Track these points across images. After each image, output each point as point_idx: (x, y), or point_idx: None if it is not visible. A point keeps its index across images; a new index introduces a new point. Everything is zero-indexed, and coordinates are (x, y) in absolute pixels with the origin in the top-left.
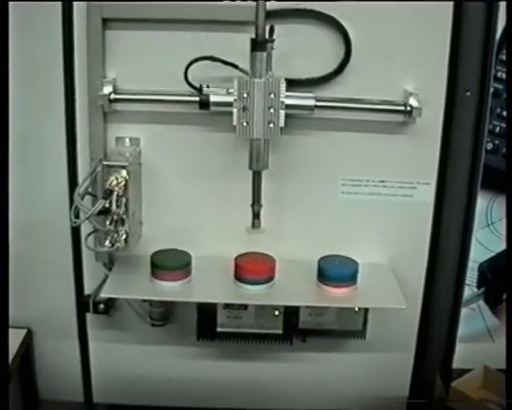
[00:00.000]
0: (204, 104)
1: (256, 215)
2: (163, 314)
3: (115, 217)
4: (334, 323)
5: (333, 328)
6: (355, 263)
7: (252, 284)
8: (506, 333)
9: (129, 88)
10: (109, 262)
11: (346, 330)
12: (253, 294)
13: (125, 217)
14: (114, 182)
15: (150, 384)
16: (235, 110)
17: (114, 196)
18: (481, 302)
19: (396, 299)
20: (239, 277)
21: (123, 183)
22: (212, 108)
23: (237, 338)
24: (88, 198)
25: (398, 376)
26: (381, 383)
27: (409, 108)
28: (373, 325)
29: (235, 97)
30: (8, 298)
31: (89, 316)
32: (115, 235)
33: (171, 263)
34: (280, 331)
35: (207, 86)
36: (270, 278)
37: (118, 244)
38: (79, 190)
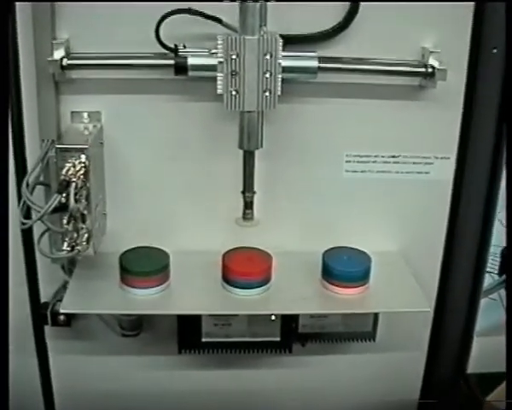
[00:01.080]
0: (180, 68)
1: (248, 205)
2: (135, 323)
3: (75, 214)
4: (339, 325)
5: (338, 331)
6: (367, 257)
7: (244, 287)
8: (506, 333)
9: (85, 51)
10: (68, 263)
11: (353, 332)
12: (246, 300)
13: (86, 212)
14: (71, 170)
15: (123, 400)
16: (220, 76)
17: (72, 189)
18: (503, 291)
19: (417, 300)
20: (228, 279)
21: (82, 170)
22: (191, 73)
23: (227, 349)
24: (40, 189)
25: (409, 377)
26: (389, 386)
27: (430, 70)
28: (382, 323)
29: (221, 59)
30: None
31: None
32: (75, 235)
33: (144, 267)
34: (277, 339)
35: (184, 46)
36: (265, 280)
37: (78, 247)
38: (27, 180)
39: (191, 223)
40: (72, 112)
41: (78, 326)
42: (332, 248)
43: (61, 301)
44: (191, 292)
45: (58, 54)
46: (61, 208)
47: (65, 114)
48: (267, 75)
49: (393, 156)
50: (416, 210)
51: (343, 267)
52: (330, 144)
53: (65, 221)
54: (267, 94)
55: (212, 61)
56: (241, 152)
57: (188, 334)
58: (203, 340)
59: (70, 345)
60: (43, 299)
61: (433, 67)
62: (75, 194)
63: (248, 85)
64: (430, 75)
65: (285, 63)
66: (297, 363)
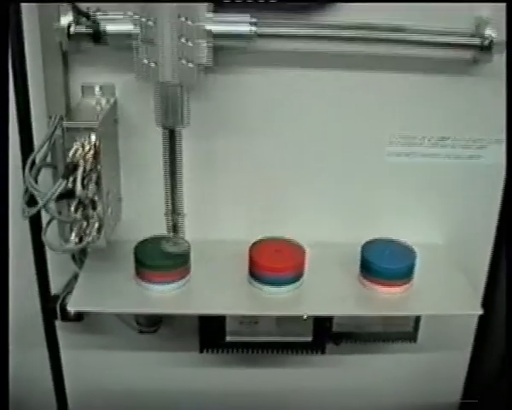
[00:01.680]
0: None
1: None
2: (153, 319)
3: (83, 200)
4: (377, 324)
5: (376, 331)
6: (411, 252)
7: (273, 284)
8: (506, 332)
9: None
10: (80, 253)
11: (392, 332)
12: (275, 299)
13: (96, 198)
14: (80, 151)
15: (140, 399)
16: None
17: (80, 173)
18: None
19: (468, 301)
20: (255, 275)
21: (91, 152)
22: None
23: (253, 349)
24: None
25: (450, 378)
26: (428, 387)
27: (486, 42)
28: (424, 322)
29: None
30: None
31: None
32: (84, 224)
33: (162, 260)
34: (309, 339)
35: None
36: (297, 276)
37: (88, 238)
38: (31, 162)
39: (216, 209)
40: (83, 86)
41: (91, 321)
42: (372, 241)
43: (71, 293)
44: (214, 289)
45: (65, 20)
46: (68, 195)
47: (75, 88)
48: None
49: (442, 138)
50: (465, 199)
51: (384, 264)
52: (372, 123)
53: (72, 209)
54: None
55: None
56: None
57: (211, 333)
58: (227, 339)
59: (83, 340)
60: (53, 291)
61: (489, 39)
62: (83, 178)
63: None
64: (486, 48)
65: (215, 28)
66: (330, 362)
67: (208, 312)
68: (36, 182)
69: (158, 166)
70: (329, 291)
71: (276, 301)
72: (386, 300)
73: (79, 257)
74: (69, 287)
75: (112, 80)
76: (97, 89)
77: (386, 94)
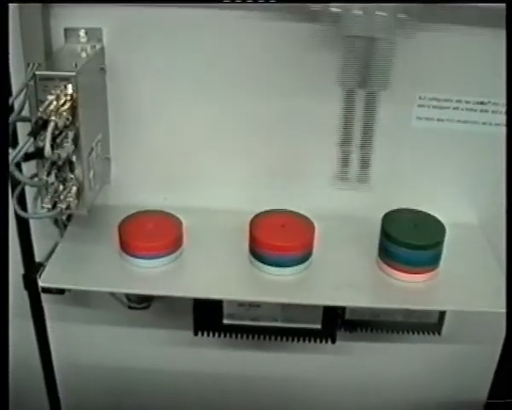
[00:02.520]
0: None
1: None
2: (144, 295)
3: (57, 162)
4: (397, 313)
5: (395, 320)
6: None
7: (277, 265)
8: (506, 332)
9: None
10: (66, 219)
11: (414, 322)
12: (278, 282)
13: (74, 159)
14: (53, 105)
15: (130, 377)
16: None
17: (49, 130)
18: None
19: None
20: (256, 253)
21: (67, 105)
22: None
23: (254, 334)
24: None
25: (477, 374)
26: (453, 383)
27: None
28: (450, 312)
29: None
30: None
31: None
32: (60, 188)
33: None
34: (318, 326)
35: None
36: (305, 257)
37: (61, 205)
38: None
39: (216, 175)
40: (66, 29)
41: (77, 293)
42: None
43: None
44: (209, 266)
45: None
46: (36, 155)
47: (56, 32)
48: None
49: (481, 103)
50: (504, 173)
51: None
52: (399, 82)
53: (44, 171)
54: None
55: None
56: None
57: (206, 314)
58: (225, 322)
59: (70, 313)
60: (38, 258)
61: None
62: (55, 136)
63: None
64: None
65: None
66: (340, 350)
67: (200, 295)
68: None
69: (151, 121)
70: (341, 275)
71: (280, 284)
72: (408, 289)
73: (64, 224)
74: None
75: (99, 24)
76: (82, 33)
77: (416, 49)
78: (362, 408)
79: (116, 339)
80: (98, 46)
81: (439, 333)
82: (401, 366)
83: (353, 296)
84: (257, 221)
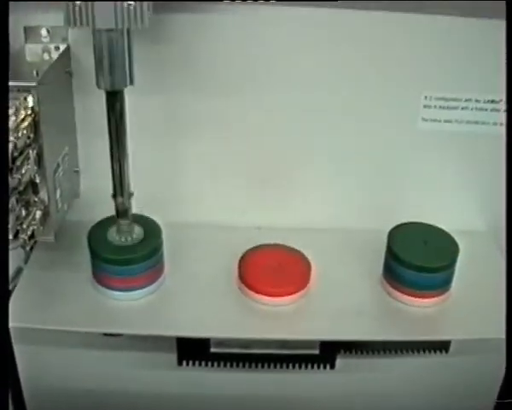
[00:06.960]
0: None
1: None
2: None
3: (19, 187)
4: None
5: (399, 339)
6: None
7: (271, 305)
8: (506, 331)
9: None
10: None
11: (421, 342)
12: (275, 313)
13: (38, 180)
14: (12, 121)
15: (106, 402)
16: None
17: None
18: None
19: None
20: (246, 292)
21: (28, 121)
22: None
23: (244, 363)
24: None
25: (485, 383)
26: (460, 393)
27: None
28: None
29: None
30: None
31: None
32: (23, 214)
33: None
34: (316, 352)
35: None
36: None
37: (23, 236)
38: None
39: (200, 184)
40: (26, 27)
41: None
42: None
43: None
44: (194, 297)
45: None
46: None
47: (16, 31)
48: None
49: (492, 101)
50: None
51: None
52: (403, 81)
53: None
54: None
55: None
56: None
57: (191, 342)
58: (212, 350)
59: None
60: None
61: None
62: (14, 158)
63: None
64: None
65: None
66: (341, 368)
67: (186, 334)
68: None
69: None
70: (341, 302)
71: (275, 316)
72: (416, 316)
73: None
74: (16, 279)
75: (63, 21)
76: (44, 32)
77: (421, 45)
78: None
79: (92, 361)
80: (63, 47)
81: (447, 351)
82: (405, 382)
83: (356, 328)
84: (246, 262)
